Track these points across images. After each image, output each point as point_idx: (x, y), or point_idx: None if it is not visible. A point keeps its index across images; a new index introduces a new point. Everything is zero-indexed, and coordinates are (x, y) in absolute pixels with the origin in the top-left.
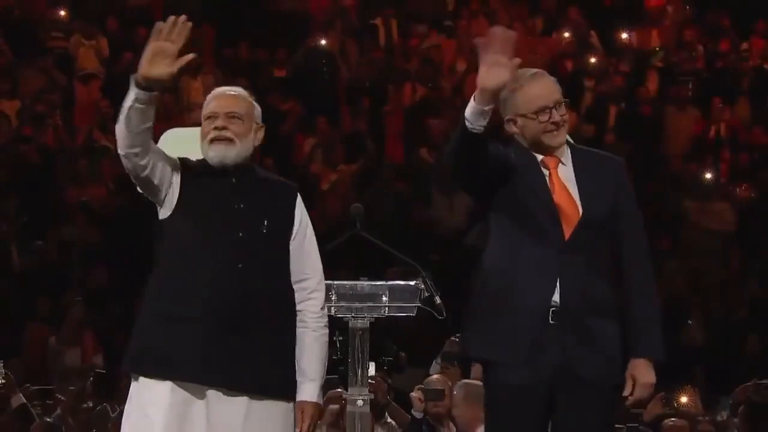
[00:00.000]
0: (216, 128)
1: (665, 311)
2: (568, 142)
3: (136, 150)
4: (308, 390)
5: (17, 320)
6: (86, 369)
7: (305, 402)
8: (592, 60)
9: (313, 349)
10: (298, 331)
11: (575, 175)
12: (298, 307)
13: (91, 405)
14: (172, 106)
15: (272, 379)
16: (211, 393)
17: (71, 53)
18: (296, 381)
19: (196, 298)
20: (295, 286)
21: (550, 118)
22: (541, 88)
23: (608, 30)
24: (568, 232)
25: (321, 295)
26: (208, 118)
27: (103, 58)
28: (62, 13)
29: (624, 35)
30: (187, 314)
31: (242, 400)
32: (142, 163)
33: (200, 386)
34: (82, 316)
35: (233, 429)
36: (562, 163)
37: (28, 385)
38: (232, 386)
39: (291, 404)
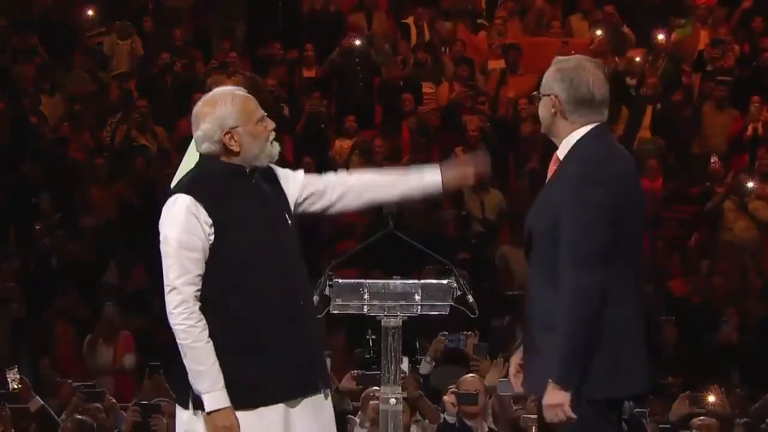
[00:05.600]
0: (273, 130)
1: (702, 311)
2: (580, 139)
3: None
4: None
5: (51, 318)
6: (117, 369)
7: None
8: (629, 58)
9: None
10: None
11: (549, 177)
12: None
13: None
14: None
15: (325, 366)
16: (306, 400)
17: (106, 53)
18: None
19: (271, 319)
20: None
21: None
22: None
23: (645, 28)
24: (527, 245)
25: None
26: (262, 120)
27: (139, 58)
28: (98, 13)
29: (660, 36)
30: (270, 337)
31: (328, 396)
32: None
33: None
34: (117, 314)
35: (329, 427)
36: (560, 160)
37: (70, 381)
38: (327, 386)
39: None
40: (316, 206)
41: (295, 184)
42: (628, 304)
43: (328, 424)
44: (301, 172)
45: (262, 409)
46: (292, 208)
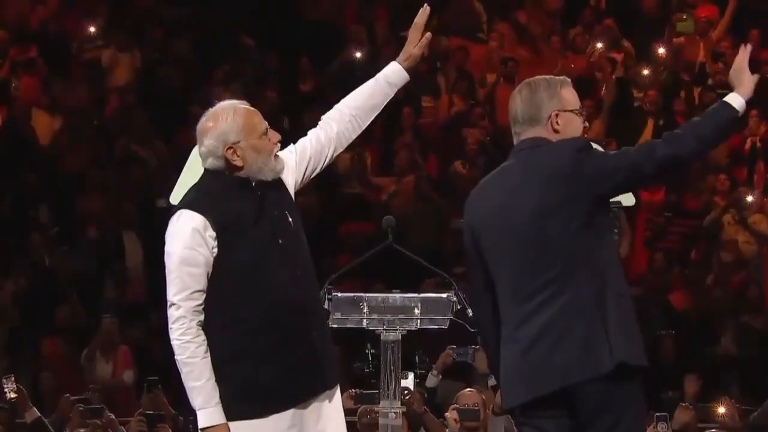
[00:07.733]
0: (276, 143)
1: (702, 323)
2: None
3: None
4: None
5: (48, 331)
6: (116, 384)
7: None
8: (629, 71)
9: None
10: None
11: None
12: None
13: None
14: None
15: (335, 364)
16: (316, 400)
17: (106, 66)
18: None
19: (278, 328)
20: None
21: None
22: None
23: (646, 41)
24: None
25: None
26: (266, 134)
27: (138, 70)
28: (97, 27)
29: (661, 50)
30: (273, 342)
31: (337, 393)
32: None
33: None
34: (115, 328)
35: (340, 421)
36: None
37: (68, 395)
38: (334, 384)
39: None
40: (326, 157)
41: (289, 170)
42: (505, 324)
43: (336, 417)
44: (292, 154)
45: (274, 416)
46: (300, 182)
